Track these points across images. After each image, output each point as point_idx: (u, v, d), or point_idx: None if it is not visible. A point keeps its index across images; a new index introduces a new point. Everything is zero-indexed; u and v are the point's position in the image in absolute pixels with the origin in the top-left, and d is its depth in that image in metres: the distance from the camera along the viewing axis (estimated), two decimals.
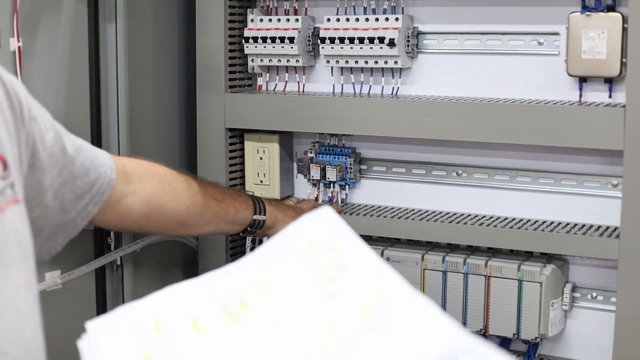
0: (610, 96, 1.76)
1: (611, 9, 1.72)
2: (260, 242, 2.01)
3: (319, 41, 1.97)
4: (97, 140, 1.94)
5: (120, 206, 1.50)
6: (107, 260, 1.98)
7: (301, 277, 1.00)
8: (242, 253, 2.06)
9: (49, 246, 1.38)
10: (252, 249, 2.03)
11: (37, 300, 1.17)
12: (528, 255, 1.83)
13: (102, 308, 2.00)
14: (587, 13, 1.72)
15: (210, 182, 1.79)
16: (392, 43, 1.88)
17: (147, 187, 1.56)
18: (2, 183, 1.12)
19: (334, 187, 2.03)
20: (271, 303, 0.97)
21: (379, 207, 1.99)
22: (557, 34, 1.80)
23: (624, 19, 1.69)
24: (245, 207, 1.75)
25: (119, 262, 2.04)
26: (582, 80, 1.78)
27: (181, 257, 2.19)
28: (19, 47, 1.76)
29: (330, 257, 1.01)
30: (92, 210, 1.41)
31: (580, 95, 1.78)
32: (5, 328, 1.08)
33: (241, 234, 1.82)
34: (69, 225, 1.39)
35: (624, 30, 1.69)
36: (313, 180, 2.04)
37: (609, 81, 1.75)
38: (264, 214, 1.78)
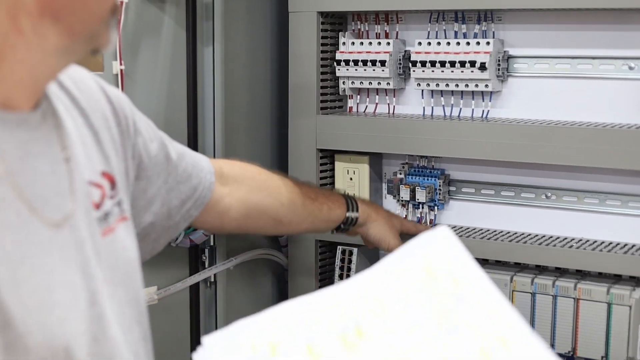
0: None
1: None
2: (350, 261, 2.05)
3: (409, 64, 2.00)
4: None
5: (219, 207, 1.54)
6: (201, 277, 2.04)
7: (417, 306, 1.00)
8: (331, 272, 2.10)
9: (151, 247, 1.42)
10: (341, 268, 2.07)
11: (145, 314, 1.20)
12: (617, 279, 1.83)
13: (195, 324, 2.06)
14: None
15: (303, 181, 1.82)
16: (483, 67, 1.90)
17: (243, 186, 1.60)
18: (110, 202, 1.15)
19: (422, 208, 2.05)
20: (387, 332, 0.97)
21: (468, 228, 2.01)
22: None
23: None
24: (338, 206, 1.78)
25: (212, 279, 2.09)
26: None
27: (272, 274, 2.24)
28: (121, 70, 1.82)
29: (447, 285, 1.01)
30: (193, 214, 1.46)
31: None
32: (114, 344, 1.10)
33: (334, 232, 1.85)
34: (172, 229, 1.43)
35: None
36: (402, 201, 2.07)
37: None
38: (357, 211, 1.81)
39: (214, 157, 2.06)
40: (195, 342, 2.05)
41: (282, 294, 2.22)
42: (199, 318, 2.07)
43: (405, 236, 1.87)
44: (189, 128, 2.01)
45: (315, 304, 1.02)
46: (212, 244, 2.05)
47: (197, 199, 1.45)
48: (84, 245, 1.05)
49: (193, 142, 2.01)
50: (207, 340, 1.01)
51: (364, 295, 1.02)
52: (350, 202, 1.81)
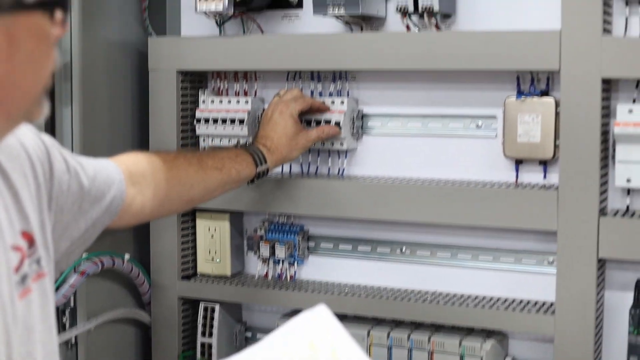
0: (545, 177, 1.84)
1: (545, 93, 1.80)
2: (212, 317, 2.06)
3: None
4: None
5: (132, 209, 1.54)
6: (62, 340, 2.01)
7: None
8: (194, 329, 2.11)
9: (67, 260, 1.42)
10: (204, 325, 2.08)
11: None
12: (469, 330, 1.89)
13: None
14: (522, 98, 1.81)
15: (208, 151, 1.88)
16: (338, 125, 1.95)
17: (152, 182, 1.61)
18: (28, 261, 1.16)
19: (283, 264, 2.08)
20: None
21: (327, 283, 2.05)
22: (494, 117, 1.88)
23: (557, 104, 1.77)
24: (246, 165, 1.81)
25: (73, 341, 2.06)
26: (518, 162, 1.86)
27: (135, 334, 2.23)
28: None
29: (329, 358, 1.08)
30: (107, 223, 1.47)
31: (517, 177, 1.86)
32: None
33: (249, 184, 1.88)
34: (87, 240, 1.43)
35: (557, 114, 1.77)
36: (263, 257, 2.09)
37: (544, 163, 1.83)
38: (266, 163, 1.85)
39: None
40: None
41: (146, 353, 2.22)
42: None
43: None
44: None
45: None
46: (72, 305, 2.03)
47: (111, 211, 1.46)
48: (5, 311, 1.07)
49: None
50: None
51: None
52: (257, 157, 1.84)
